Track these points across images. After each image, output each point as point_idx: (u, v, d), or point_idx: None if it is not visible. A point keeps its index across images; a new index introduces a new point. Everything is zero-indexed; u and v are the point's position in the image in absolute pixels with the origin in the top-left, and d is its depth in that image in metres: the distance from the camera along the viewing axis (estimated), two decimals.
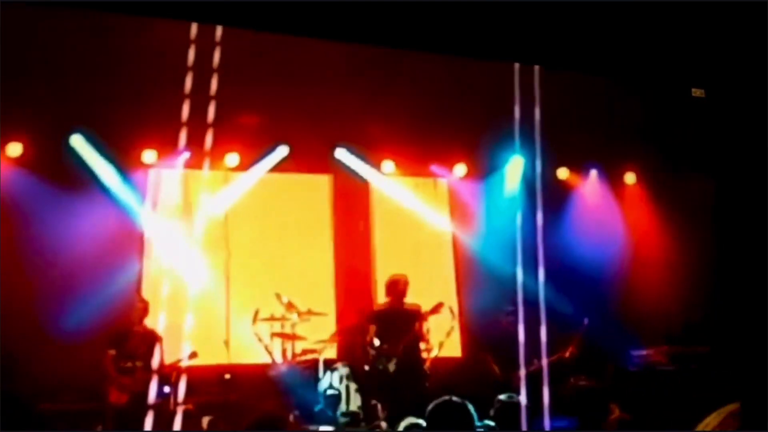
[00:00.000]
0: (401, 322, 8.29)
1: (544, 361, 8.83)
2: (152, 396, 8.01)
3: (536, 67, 9.45)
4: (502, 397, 5.62)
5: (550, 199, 11.23)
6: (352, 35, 7.18)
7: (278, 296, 9.21)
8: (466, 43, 7.83)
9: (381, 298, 9.57)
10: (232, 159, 10.61)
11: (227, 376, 9.24)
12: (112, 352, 8.40)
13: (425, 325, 8.84)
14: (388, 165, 11.15)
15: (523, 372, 8.84)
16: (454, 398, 4.79)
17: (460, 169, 11.44)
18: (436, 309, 8.87)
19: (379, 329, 8.32)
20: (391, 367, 8.06)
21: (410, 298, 9.32)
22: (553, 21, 6.78)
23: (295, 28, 7.42)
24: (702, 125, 9.87)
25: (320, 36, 7.62)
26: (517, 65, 9.56)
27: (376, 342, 8.31)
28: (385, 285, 9.09)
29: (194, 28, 8.32)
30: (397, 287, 8.49)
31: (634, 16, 6.39)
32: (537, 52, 7.49)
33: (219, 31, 8.31)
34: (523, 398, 8.41)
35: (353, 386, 8.46)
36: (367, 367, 8.35)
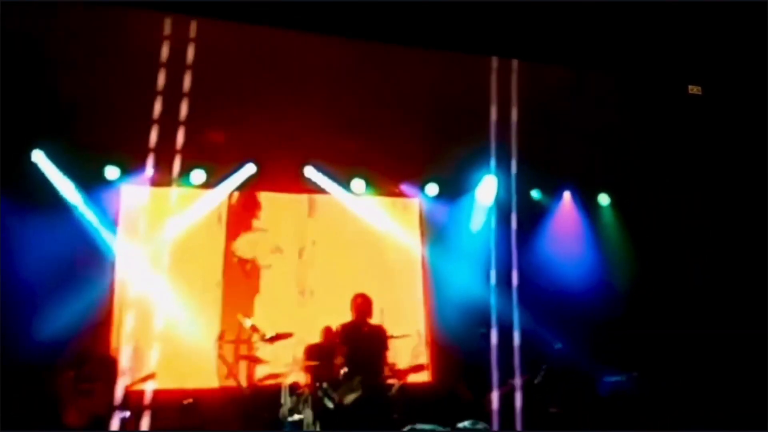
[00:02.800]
0: (364, 345, 8.06)
1: (516, 382, 8.68)
2: (112, 419, 7.83)
3: (513, 83, 9.43)
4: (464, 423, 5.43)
5: (524, 220, 11.14)
6: (329, 27, 7.06)
7: (241, 319, 8.98)
8: (449, 36, 7.73)
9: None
10: (199, 176, 10.38)
11: (188, 400, 8.97)
12: (71, 373, 8.10)
13: (391, 350, 8.64)
14: (358, 184, 10.95)
15: (494, 394, 8.67)
16: (421, 426, 4.60)
17: (432, 188, 11.26)
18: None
19: (343, 350, 8.09)
20: (353, 397, 7.81)
21: (383, 322, 9.12)
22: (544, 16, 6.66)
23: (269, 20, 7.31)
24: (686, 136, 9.81)
25: (296, 28, 7.54)
26: (493, 80, 9.56)
27: (343, 369, 8.07)
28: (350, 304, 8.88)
29: (166, 30, 8.23)
30: (357, 306, 8.28)
31: (633, 13, 6.28)
32: (525, 47, 7.40)
33: (191, 35, 8.23)
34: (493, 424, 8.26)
35: (318, 412, 8.21)
36: (335, 396, 8.05)
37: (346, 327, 8.24)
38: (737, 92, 7.15)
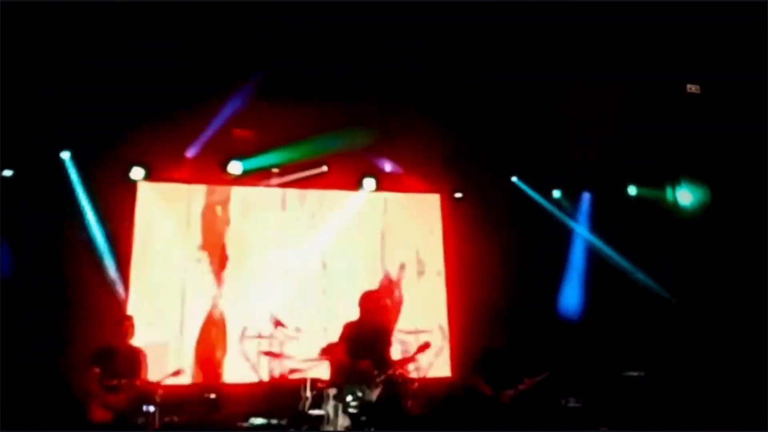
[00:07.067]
0: (366, 340, 8.14)
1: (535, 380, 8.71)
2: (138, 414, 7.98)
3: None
4: None
5: (545, 219, 11.22)
6: None
7: (267, 314, 9.09)
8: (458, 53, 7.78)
9: None
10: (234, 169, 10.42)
11: (212, 395, 9.09)
12: (97, 370, 8.21)
13: (396, 343, 8.66)
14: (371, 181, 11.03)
15: (513, 390, 8.72)
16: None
17: (456, 187, 11.29)
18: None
19: (349, 347, 8.17)
20: (368, 393, 7.89)
21: (404, 318, 9.13)
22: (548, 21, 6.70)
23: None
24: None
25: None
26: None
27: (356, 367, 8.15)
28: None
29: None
30: (364, 302, 8.38)
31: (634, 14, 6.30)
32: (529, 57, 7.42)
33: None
34: None
35: (341, 406, 8.30)
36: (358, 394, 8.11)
37: (349, 325, 8.34)
38: (740, 91, 7.10)
